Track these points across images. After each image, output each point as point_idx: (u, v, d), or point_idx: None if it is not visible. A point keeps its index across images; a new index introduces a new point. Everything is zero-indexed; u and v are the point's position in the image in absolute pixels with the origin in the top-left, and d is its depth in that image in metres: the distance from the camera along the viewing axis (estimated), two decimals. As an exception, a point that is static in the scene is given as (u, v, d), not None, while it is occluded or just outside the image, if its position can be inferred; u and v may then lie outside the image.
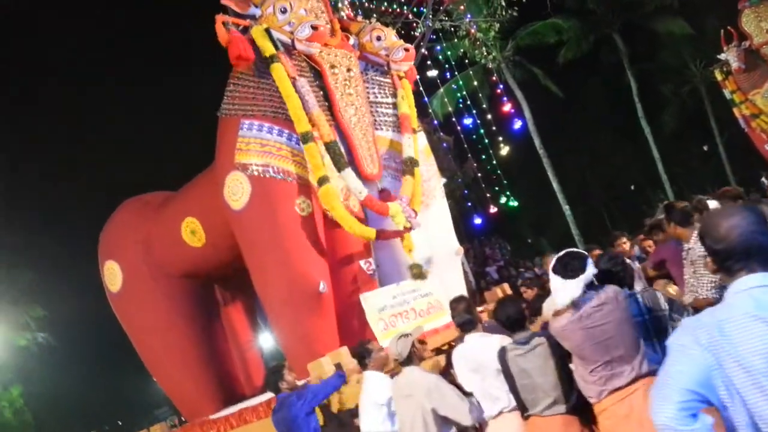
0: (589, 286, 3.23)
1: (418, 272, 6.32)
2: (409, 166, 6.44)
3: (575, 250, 3.42)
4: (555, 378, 3.54)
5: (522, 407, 3.66)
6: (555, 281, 3.27)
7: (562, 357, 3.57)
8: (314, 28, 5.80)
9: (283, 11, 5.80)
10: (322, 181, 5.59)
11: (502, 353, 3.72)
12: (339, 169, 5.71)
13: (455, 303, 4.18)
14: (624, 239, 6.51)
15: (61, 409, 18.58)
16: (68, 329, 17.44)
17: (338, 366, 4.67)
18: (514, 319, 3.78)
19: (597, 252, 6.26)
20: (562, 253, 3.34)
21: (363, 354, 4.39)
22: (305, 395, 4.27)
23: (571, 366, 3.48)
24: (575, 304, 3.18)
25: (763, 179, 14.98)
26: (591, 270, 3.22)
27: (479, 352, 3.93)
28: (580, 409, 3.53)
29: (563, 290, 3.22)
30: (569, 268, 3.21)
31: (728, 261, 1.71)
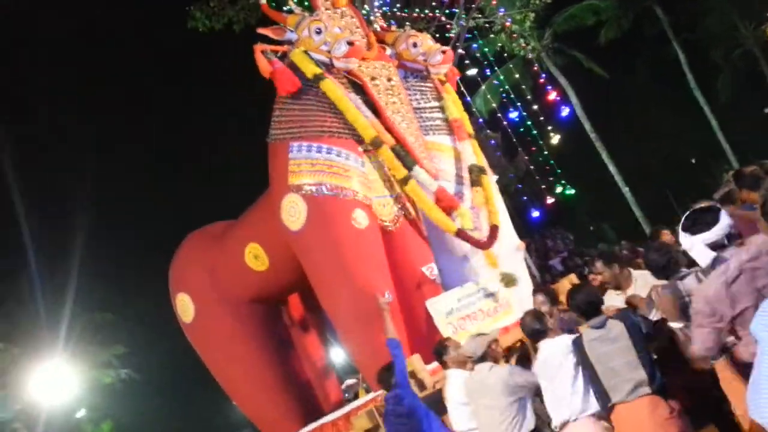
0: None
1: (510, 280, 6.28)
2: (476, 175, 6.42)
3: (705, 204, 3.14)
4: (636, 359, 3.46)
5: (604, 396, 3.59)
6: (685, 240, 2.95)
7: (641, 338, 3.51)
8: (350, 44, 5.89)
9: (318, 32, 5.92)
10: (406, 179, 5.80)
11: (578, 341, 3.68)
12: (409, 168, 5.87)
13: (522, 319, 4.15)
14: (665, 232, 6.19)
15: (151, 441, 19.30)
16: (149, 363, 18.11)
17: (411, 374, 4.69)
18: (587, 304, 3.73)
19: (665, 232, 6.04)
20: (690, 210, 3.03)
21: (440, 352, 4.44)
22: (401, 381, 4.34)
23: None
24: (717, 260, 2.80)
25: None
26: (726, 221, 2.83)
27: (550, 357, 3.89)
28: (667, 390, 3.44)
29: (697, 246, 2.87)
30: (699, 222, 2.87)
31: None
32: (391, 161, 5.82)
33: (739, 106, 22.95)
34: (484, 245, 5.92)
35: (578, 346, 3.68)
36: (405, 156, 5.89)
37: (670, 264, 3.52)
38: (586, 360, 3.62)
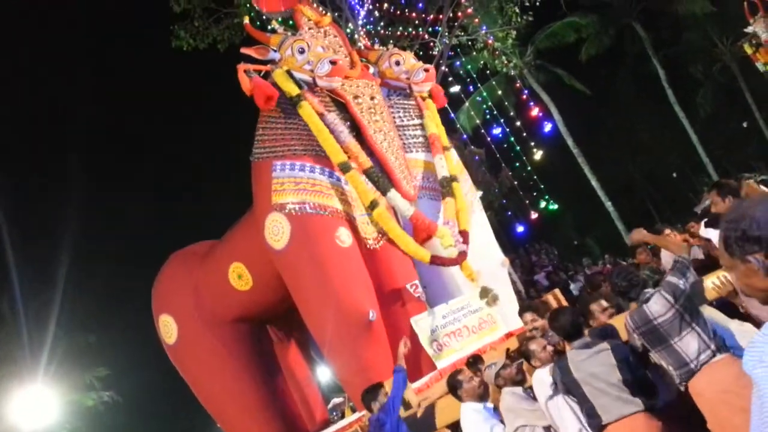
0: None
1: (490, 297, 6.27)
2: (447, 187, 6.45)
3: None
4: (624, 378, 3.50)
5: (595, 417, 3.59)
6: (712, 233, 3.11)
7: (627, 356, 3.54)
8: (333, 63, 5.92)
9: (301, 51, 5.95)
10: (374, 204, 5.75)
11: (564, 363, 3.70)
12: (383, 192, 5.85)
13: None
14: (668, 231, 6.32)
15: (134, 464, 18.96)
16: (132, 385, 17.84)
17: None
18: (571, 326, 3.76)
19: (667, 231, 6.09)
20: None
21: (455, 386, 4.41)
22: (387, 406, 4.33)
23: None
24: None
25: None
26: None
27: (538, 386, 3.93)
28: (664, 407, 3.46)
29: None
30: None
31: None
32: (358, 186, 5.76)
33: (718, 121, 23.34)
34: (457, 261, 5.92)
35: (563, 368, 3.69)
36: (379, 179, 5.85)
37: (632, 287, 3.61)
38: (574, 381, 3.64)
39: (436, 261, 5.88)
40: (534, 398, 4.19)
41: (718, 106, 22.97)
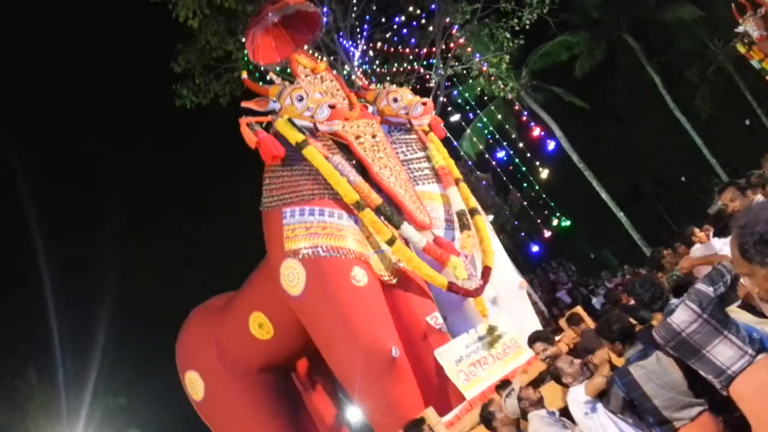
0: None
1: (493, 335, 6.26)
2: (463, 219, 6.49)
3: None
4: (686, 381, 3.54)
5: (666, 425, 3.59)
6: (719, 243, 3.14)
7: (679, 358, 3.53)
8: (332, 107, 6.04)
9: (300, 99, 6.09)
10: (391, 241, 5.80)
11: (629, 378, 3.69)
12: (396, 227, 5.89)
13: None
14: (696, 230, 6.36)
15: None
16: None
17: (428, 428, 4.63)
18: (622, 333, 3.78)
19: (696, 231, 6.07)
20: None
21: (488, 418, 4.39)
22: None
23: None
24: None
25: None
26: None
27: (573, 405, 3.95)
28: (722, 402, 3.48)
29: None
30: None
31: None
32: (374, 224, 5.83)
33: (720, 121, 23.33)
34: (474, 293, 5.92)
35: (630, 384, 3.68)
36: (391, 215, 5.91)
37: (655, 298, 3.61)
38: (643, 395, 3.63)
39: (453, 288, 5.88)
40: (560, 420, 4.17)
41: (718, 106, 23.00)
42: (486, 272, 6.17)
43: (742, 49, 13.78)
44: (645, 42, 22.24)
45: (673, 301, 3.71)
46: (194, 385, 6.92)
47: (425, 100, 7.09)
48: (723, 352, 3.36)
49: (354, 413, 10.17)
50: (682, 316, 3.45)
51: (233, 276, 7.55)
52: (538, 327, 6.82)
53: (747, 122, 24.04)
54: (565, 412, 4.35)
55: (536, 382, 5.13)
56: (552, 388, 4.60)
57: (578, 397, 4.00)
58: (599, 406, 3.92)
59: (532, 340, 5.25)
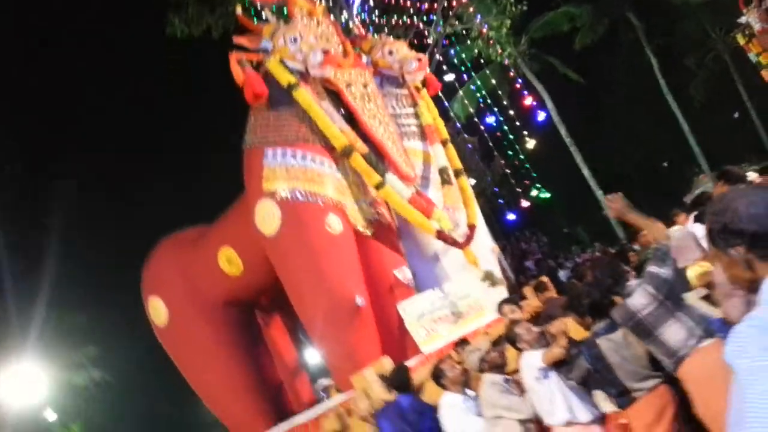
0: None
1: (492, 281, 6.42)
2: (446, 175, 6.55)
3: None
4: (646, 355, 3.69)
5: (626, 395, 3.76)
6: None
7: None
8: (325, 53, 5.98)
9: (294, 41, 6.01)
10: (380, 185, 5.87)
11: (597, 350, 3.82)
12: (381, 175, 5.93)
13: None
14: (681, 214, 6.44)
15: (123, 443, 19.14)
16: (122, 365, 17.94)
17: (381, 376, 4.80)
18: (591, 308, 3.90)
19: (680, 215, 6.19)
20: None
21: (438, 375, 4.54)
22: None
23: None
24: None
25: None
26: None
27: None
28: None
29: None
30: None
31: None
32: (363, 168, 5.89)
33: (711, 111, 23.45)
34: (462, 245, 6.05)
35: (596, 356, 3.82)
36: (377, 164, 5.96)
37: (616, 283, 3.74)
38: (607, 367, 3.76)
39: (442, 236, 6.01)
40: (513, 389, 4.34)
41: (711, 96, 23.06)
42: (472, 229, 6.29)
43: (741, 40, 13.80)
44: (647, 22, 22.05)
45: (631, 282, 3.85)
46: (157, 311, 7.01)
47: (420, 56, 7.06)
48: (675, 334, 3.52)
49: (312, 355, 10.40)
50: (640, 299, 3.59)
51: (209, 208, 7.57)
52: (504, 292, 7.02)
53: (736, 115, 24.22)
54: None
55: (493, 344, 5.31)
56: (508, 352, 4.77)
57: (533, 362, 4.15)
58: (552, 374, 4.08)
59: (503, 302, 5.42)
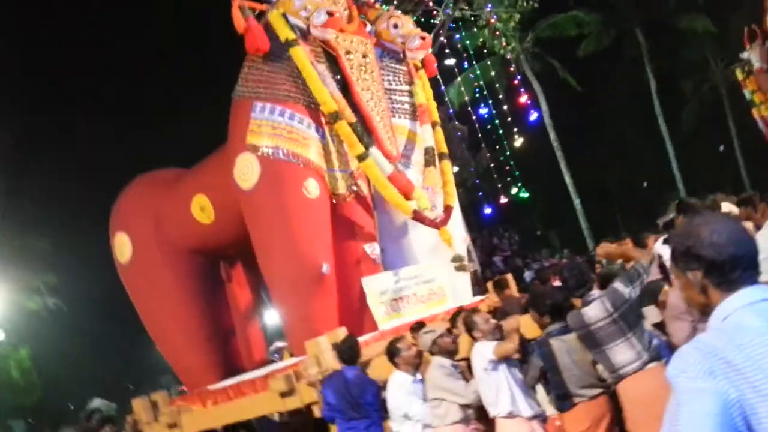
0: None
1: (460, 264, 6.44)
2: (430, 156, 6.52)
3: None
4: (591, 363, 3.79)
5: (567, 399, 3.85)
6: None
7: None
8: (329, 14, 5.87)
9: (299, -4, 5.89)
10: (363, 156, 5.80)
11: (548, 349, 3.91)
12: (366, 147, 5.87)
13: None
14: (651, 236, 6.50)
15: (68, 372, 19.03)
16: (79, 296, 17.81)
17: (334, 345, 4.82)
18: (552, 308, 3.99)
19: (650, 238, 6.24)
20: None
21: (393, 352, 4.57)
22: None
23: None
24: None
25: None
26: None
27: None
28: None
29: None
30: None
31: (734, 271, 1.44)
32: (348, 137, 5.82)
33: (698, 139, 23.74)
34: (438, 225, 6.05)
35: (546, 355, 3.91)
36: (362, 134, 5.89)
37: (579, 285, 3.80)
38: (555, 368, 3.86)
39: (418, 216, 5.98)
40: (459, 376, 4.40)
41: (700, 124, 23.36)
42: (448, 211, 6.29)
43: (739, 75, 13.92)
44: (653, 41, 22.16)
45: (594, 292, 3.90)
46: (122, 247, 6.93)
47: (424, 34, 6.97)
48: (622, 353, 3.60)
49: (272, 316, 10.41)
50: (595, 311, 3.65)
51: (188, 151, 7.46)
52: (468, 283, 7.08)
53: (721, 148, 24.57)
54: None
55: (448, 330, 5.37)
56: (462, 338, 4.83)
57: (484, 352, 4.21)
58: (501, 367, 4.14)
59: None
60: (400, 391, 4.50)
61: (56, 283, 16.74)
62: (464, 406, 4.32)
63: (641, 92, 22.45)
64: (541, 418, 4.18)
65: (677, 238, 1.56)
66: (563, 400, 3.89)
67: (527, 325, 4.30)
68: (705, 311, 1.50)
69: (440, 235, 6.06)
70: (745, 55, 13.49)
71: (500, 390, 4.12)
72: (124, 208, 7.10)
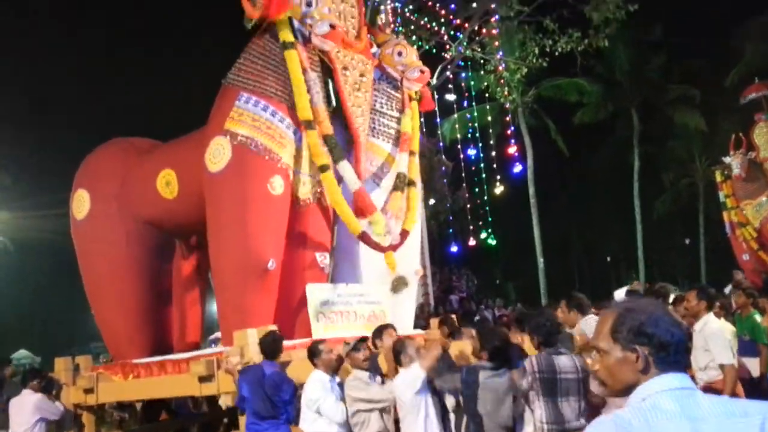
0: None
1: (399, 285, 6.52)
2: (401, 182, 6.63)
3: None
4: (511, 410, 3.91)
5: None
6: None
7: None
8: (332, 26, 6.00)
9: (309, 4, 6.02)
10: (324, 168, 5.86)
11: (474, 378, 3.99)
12: (336, 161, 5.95)
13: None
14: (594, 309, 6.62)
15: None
16: (30, 239, 17.46)
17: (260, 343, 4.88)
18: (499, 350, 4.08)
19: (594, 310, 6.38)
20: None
21: (314, 352, 4.66)
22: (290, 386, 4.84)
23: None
24: None
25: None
26: None
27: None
28: None
29: None
30: None
31: (677, 354, 1.52)
32: (314, 146, 5.89)
33: (667, 228, 24.37)
34: (384, 249, 6.12)
35: (470, 383, 3.99)
36: (335, 147, 5.98)
37: (551, 334, 3.94)
38: (473, 396, 3.95)
39: (365, 238, 6.03)
40: (374, 383, 4.51)
41: (672, 215, 23.99)
42: (404, 235, 6.39)
43: (718, 177, 14.40)
44: (645, 126, 22.80)
45: (565, 349, 4.03)
46: (81, 204, 6.91)
47: (425, 68, 7.12)
48: (574, 407, 3.79)
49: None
50: (569, 363, 3.84)
51: (155, 119, 7.47)
52: (411, 314, 7.18)
53: (687, 241, 25.21)
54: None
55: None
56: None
57: (410, 378, 4.30)
58: (423, 393, 4.24)
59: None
60: (317, 384, 4.60)
61: (9, 220, 16.39)
62: (381, 410, 4.42)
63: (624, 172, 23.03)
64: None
65: (627, 312, 1.57)
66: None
67: (467, 351, 4.46)
68: (625, 390, 1.52)
69: (385, 259, 6.15)
70: (727, 159, 13.98)
71: (419, 415, 4.22)
72: (92, 166, 7.08)
